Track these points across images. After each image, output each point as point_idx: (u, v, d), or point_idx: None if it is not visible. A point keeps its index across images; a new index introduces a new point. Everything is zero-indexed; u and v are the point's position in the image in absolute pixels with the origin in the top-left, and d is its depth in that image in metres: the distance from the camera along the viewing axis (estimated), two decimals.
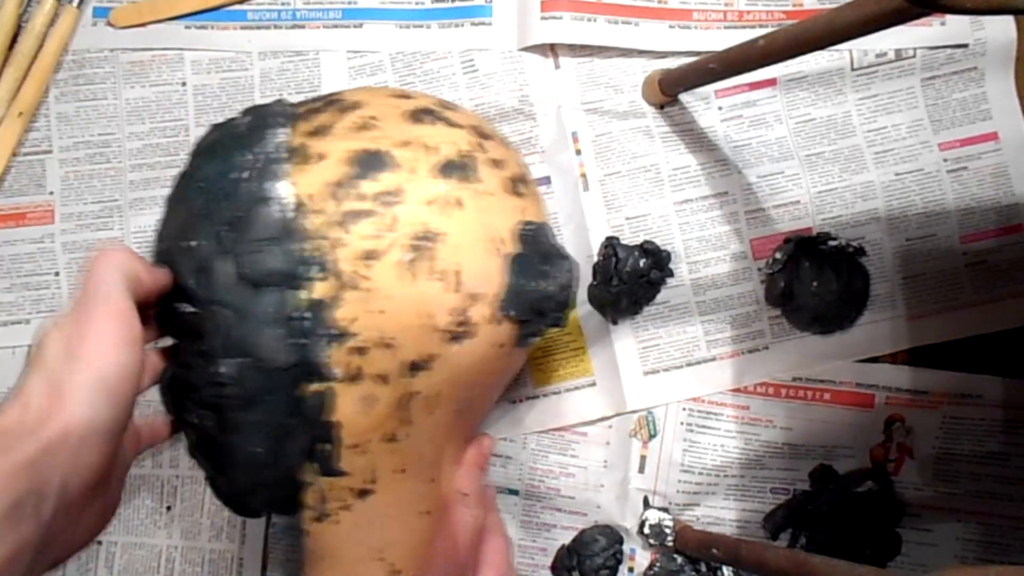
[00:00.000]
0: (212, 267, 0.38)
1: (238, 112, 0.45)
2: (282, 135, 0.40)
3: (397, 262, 0.38)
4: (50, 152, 0.64)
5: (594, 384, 0.64)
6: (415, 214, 0.39)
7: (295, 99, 0.46)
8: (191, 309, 0.38)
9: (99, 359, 0.32)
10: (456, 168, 0.41)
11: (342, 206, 0.38)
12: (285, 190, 0.38)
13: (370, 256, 0.38)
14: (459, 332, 0.39)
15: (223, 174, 0.39)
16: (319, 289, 0.37)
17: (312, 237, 0.38)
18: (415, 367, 0.39)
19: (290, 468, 0.40)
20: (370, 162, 0.39)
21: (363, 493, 0.41)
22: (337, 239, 0.38)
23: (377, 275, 0.38)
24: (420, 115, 0.43)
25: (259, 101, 0.64)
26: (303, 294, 0.37)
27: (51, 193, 0.63)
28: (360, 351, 0.38)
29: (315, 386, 0.38)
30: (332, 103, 0.43)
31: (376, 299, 0.38)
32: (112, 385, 0.32)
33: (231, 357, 0.37)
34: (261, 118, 0.42)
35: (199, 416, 0.39)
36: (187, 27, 0.64)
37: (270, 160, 0.39)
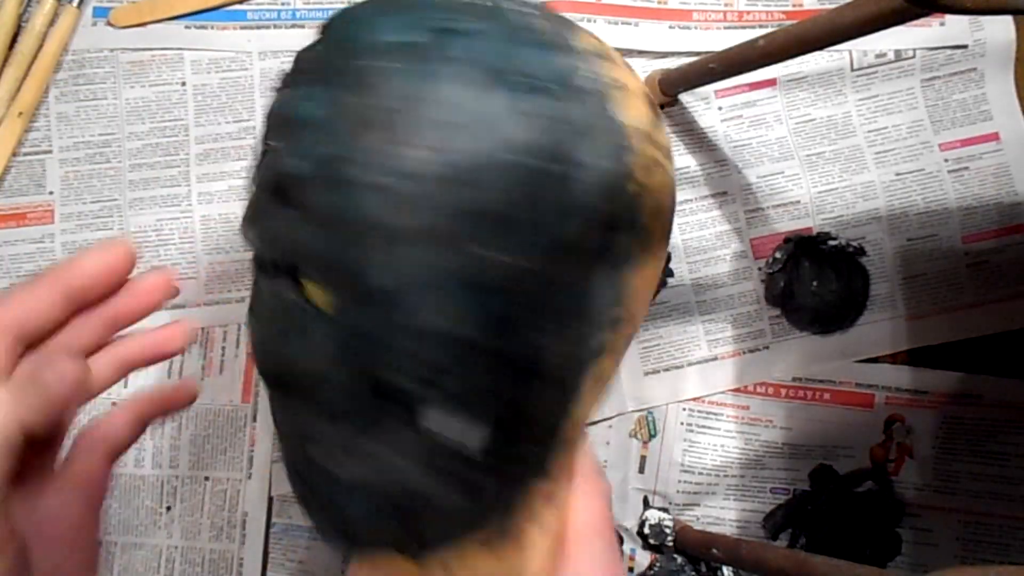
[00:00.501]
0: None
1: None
2: (583, 47, 0.29)
3: (663, 225, 0.31)
4: (50, 152, 0.64)
5: None
6: (671, 176, 0.32)
7: None
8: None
9: None
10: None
11: (648, 152, 0.29)
12: (622, 118, 0.28)
13: (655, 214, 0.30)
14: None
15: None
16: (622, 246, 0.29)
17: (634, 179, 0.28)
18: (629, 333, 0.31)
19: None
20: (655, 108, 0.31)
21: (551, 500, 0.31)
22: (643, 188, 0.29)
23: (654, 236, 0.30)
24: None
25: (259, 101, 0.64)
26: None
27: (51, 193, 0.63)
28: (615, 324, 0.30)
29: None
30: (566, 19, 0.31)
31: (645, 265, 0.30)
32: None
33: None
34: (539, 12, 0.29)
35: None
36: (187, 27, 0.64)
37: (600, 82, 0.28)
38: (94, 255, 0.30)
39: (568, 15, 0.63)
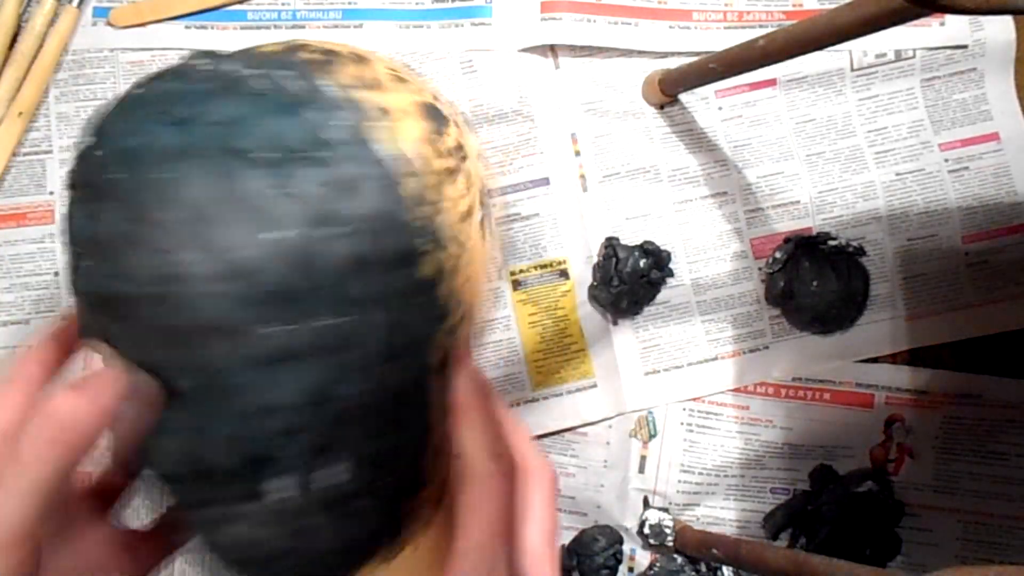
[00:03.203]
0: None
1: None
2: (335, 90, 0.29)
3: (479, 222, 0.32)
4: (50, 152, 0.63)
5: (595, 385, 0.64)
6: (477, 169, 0.33)
7: None
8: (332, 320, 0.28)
9: None
10: (471, 123, 0.36)
11: (433, 164, 0.30)
12: (383, 154, 0.28)
13: (464, 218, 0.31)
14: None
15: (288, 143, 0.27)
16: (428, 264, 0.29)
17: (419, 203, 0.29)
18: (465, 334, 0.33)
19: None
20: (435, 115, 0.32)
21: (439, 503, 0.33)
22: (437, 202, 0.29)
23: (470, 239, 0.31)
24: (407, 72, 0.35)
25: None
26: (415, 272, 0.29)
27: (51, 193, 0.63)
28: (451, 331, 0.31)
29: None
30: (333, 54, 0.31)
31: (467, 266, 0.31)
32: None
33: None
34: (284, 67, 0.29)
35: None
36: (187, 27, 0.64)
37: (357, 121, 0.28)
38: (48, 347, 0.31)
39: (568, 15, 0.63)
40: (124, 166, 0.26)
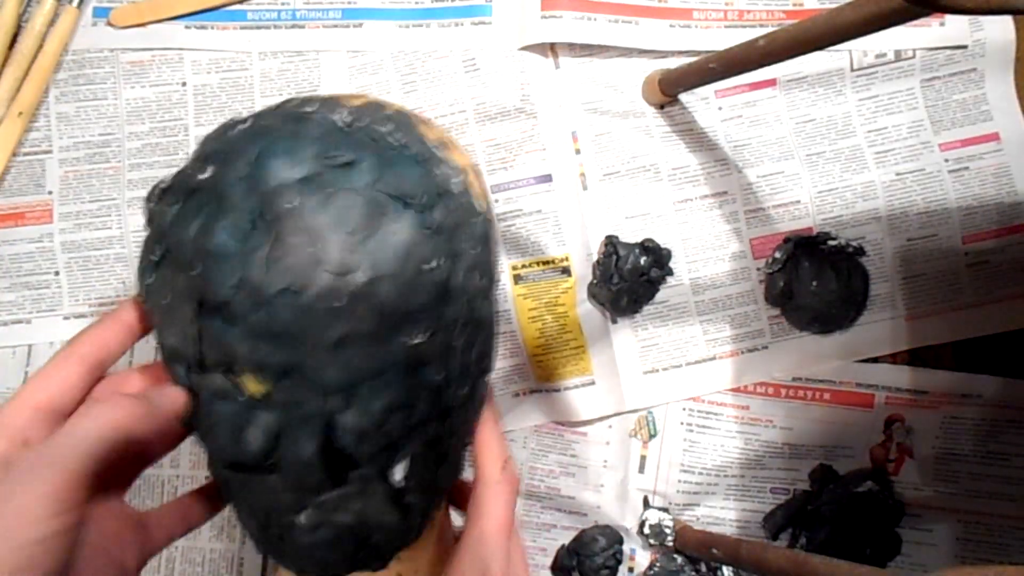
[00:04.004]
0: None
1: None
2: (438, 150, 0.34)
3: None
4: (50, 152, 0.63)
5: (593, 383, 0.64)
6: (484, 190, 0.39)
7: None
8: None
9: (12, 536, 0.26)
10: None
11: (486, 198, 0.37)
12: (477, 204, 0.35)
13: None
14: None
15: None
16: (495, 299, 0.36)
17: (497, 245, 0.36)
18: None
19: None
20: (478, 172, 0.37)
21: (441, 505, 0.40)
22: (492, 220, 0.37)
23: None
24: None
25: (259, 101, 0.64)
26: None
27: (50, 192, 0.63)
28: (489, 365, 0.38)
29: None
30: (405, 114, 0.36)
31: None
32: (29, 553, 0.26)
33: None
34: (389, 122, 0.34)
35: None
36: (187, 27, 0.64)
37: (462, 178, 0.35)
38: (111, 328, 0.33)
39: (569, 14, 0.63)
40: (283, 191, 0.30)
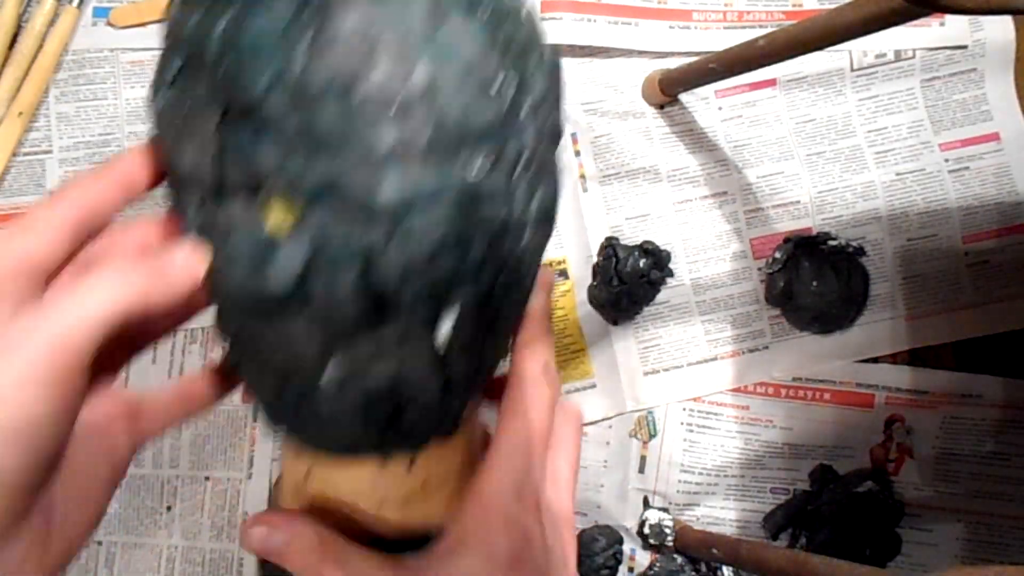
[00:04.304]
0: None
1: None
2: None
3: None
4: (50, 152, 0.63)
5: (595, 385, 0.64)
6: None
7: None
8: None
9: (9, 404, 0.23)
10: None
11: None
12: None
13: None
14: None
15: None
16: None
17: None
18: None
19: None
20: None
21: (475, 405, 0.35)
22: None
23: None
24: None
25: None
26: None
27: (49, 193, 0.63)
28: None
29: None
30: None
31: None
32: (20, 435, 0.24)
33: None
34: None
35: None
36: None
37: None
38: (105, 179, 0.28)
39: (569, 15, 0.63)
40: None
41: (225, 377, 0.33)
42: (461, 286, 0.28)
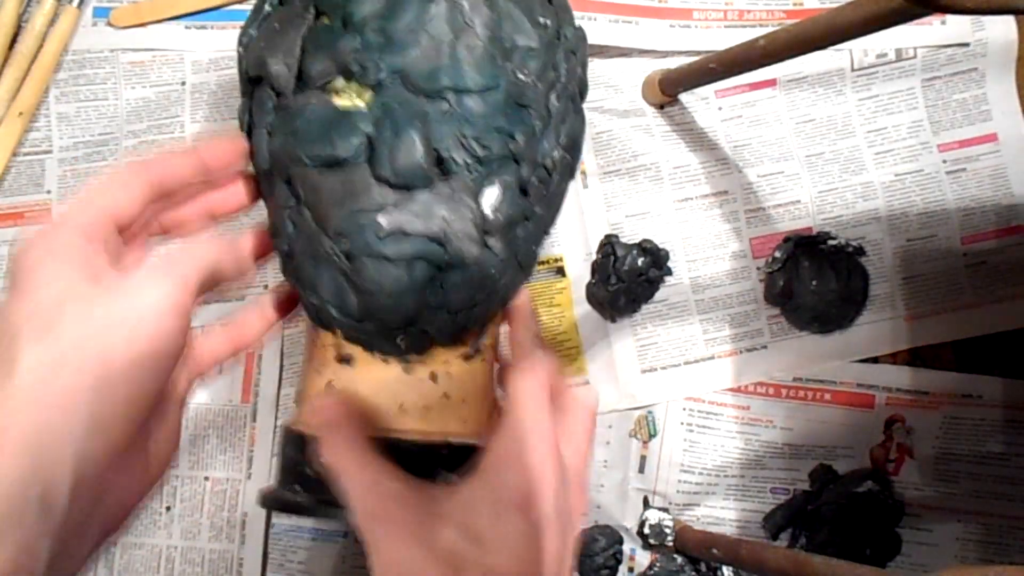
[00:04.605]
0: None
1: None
2: None
3: None
4: (50, 152, 0.63)
5: (587, 383, 0.64)
6: None
7: None
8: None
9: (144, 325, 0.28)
10: None
11: None
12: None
13: None
14: None
15: None
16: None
17: None
18: None
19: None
20: None
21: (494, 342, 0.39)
22: None
23: None
24: None
25: None
26: None
27: (48, 192, 0.63)
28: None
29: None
30: None
31: None
32: (161, 360, 0.28)
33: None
34: None
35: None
36: (187, 27, 0.64)
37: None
38: (185, 158, 0.33)
39: None
40: None
41: (278, 303, 0.39)
42: (505, 167, 0.33)
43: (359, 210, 0.32)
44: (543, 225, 0.37)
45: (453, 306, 0.34)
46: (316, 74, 0.32)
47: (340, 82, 0.32)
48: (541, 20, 0.34)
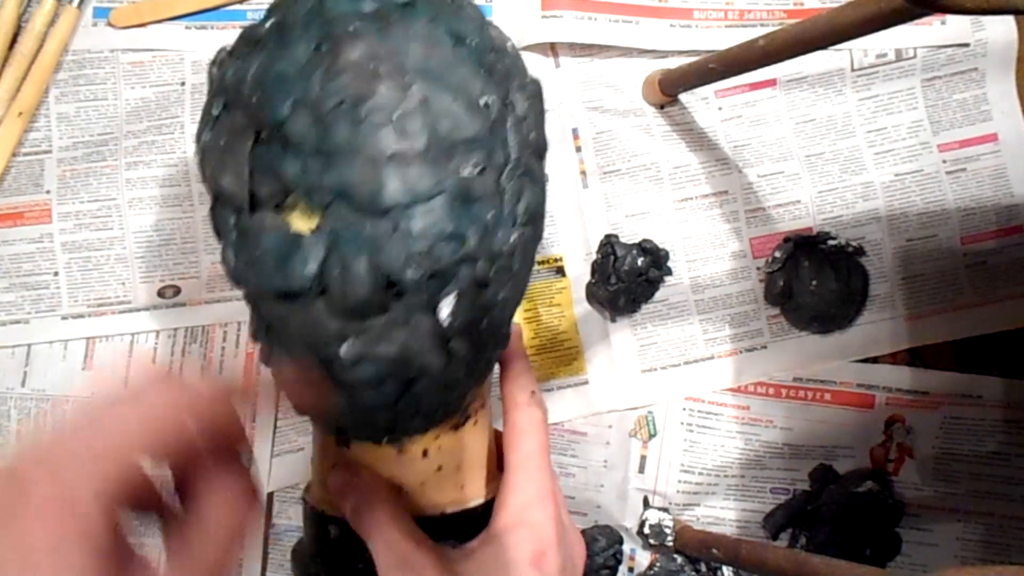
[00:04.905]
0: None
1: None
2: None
3: None
4: (50, 152, 0.63)
5: (587, 383, 0.64)
6: None
7: None
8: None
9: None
10: None
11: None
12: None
13: None
14: None
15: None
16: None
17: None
18: None
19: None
20: None
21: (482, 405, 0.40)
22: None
23: None
24: None
25: None
26: None
27: (47, 192, 0.63)
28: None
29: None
30: None
31: None
32: None
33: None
34: None
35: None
36: (187, 27, 0.64)
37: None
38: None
39: (569, 13, 0.63)
40: (348, 21, 0.32)
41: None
42: (458, 272, 0.32)
43: (321, 342, 0.32)
44: (513, 302, 0.36)
45: (426, 409, 0.35)
46: (266, 196, 0.32)
47: (291, 200, 0.32)
48: (482, 101, 0.33)
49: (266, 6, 0.65)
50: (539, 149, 0.36)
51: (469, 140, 0.32)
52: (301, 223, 0.32)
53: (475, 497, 0.38)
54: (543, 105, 0.37)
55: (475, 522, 0.37)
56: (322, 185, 0.30)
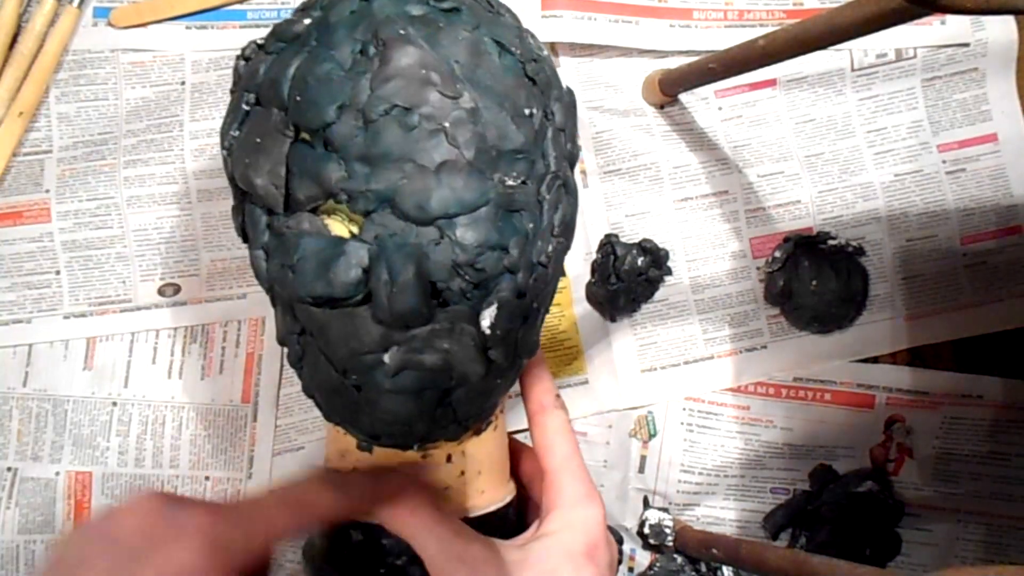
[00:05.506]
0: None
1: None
2: None
3: None
4: (50, 152, 0.63)
5: (587, 382, 0.64)
6: None
7: None
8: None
9: None
10: None
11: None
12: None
13: None
14: None
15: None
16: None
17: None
18: None
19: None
20: None
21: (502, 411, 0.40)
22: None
23: None
24: None
25: None
26: None
27: (47, 191, 0.63)
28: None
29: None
30: None
31: None
32: None
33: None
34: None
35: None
36: (187, 27, 0.64)
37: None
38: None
39: (569, 13, 0.63)
40: (393, 23, 0.31)
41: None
42: (500, 282, 0.32)
43: (364, 352, 0.32)
44: (544, 310, 0.36)
45: (462, 417, 0.35)
46: (305, 199, 0.32)
47: (330, 204, 0.31)
48: (527, 112, 0.33)
49: (267, 7, 0.65)
50: (572, 159, 0.36)
51: (515, 151, 0.32)
52: (341, 228, 0.31)
53: (495, 501, 0.38)
54: (576, 115, 0.37)
55: (496, 525, 0.37)
56: (367, 191, 0.30)
